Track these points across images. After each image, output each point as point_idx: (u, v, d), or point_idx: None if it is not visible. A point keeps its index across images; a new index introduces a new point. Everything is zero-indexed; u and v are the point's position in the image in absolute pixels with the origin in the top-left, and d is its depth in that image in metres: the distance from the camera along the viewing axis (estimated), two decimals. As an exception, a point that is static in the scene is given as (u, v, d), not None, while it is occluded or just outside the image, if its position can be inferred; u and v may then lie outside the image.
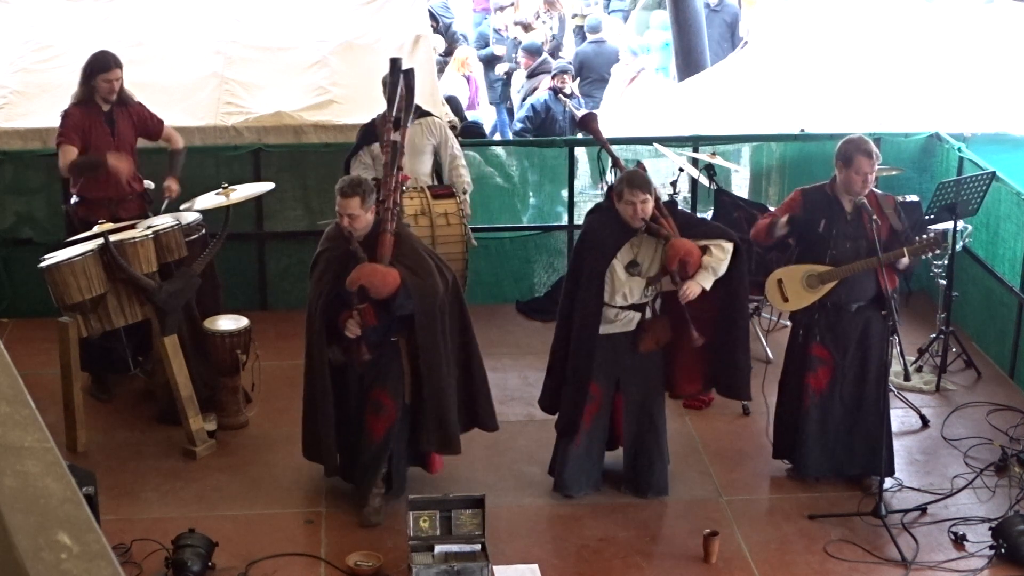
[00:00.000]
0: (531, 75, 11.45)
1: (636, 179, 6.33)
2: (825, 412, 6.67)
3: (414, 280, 6.13)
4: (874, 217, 6.31)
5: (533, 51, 11.77)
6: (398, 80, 6.69)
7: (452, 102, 10.46)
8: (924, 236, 6.40)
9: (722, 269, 6.30)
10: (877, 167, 6.44)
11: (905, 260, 6.38)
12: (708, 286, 6.29)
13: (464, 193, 7.82)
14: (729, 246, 6.32)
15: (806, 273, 6.53)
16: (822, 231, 6.50)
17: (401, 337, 6.30)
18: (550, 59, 11.98)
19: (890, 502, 6.53)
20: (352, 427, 6.43)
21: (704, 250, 6.27)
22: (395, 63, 6.79)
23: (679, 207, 6.76)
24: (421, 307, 6.17)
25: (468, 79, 12.34)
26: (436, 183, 7.98)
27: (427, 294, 6.17)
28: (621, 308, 6.38)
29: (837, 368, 6.61)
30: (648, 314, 6.42)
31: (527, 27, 13.62)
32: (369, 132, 7.86)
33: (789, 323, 8.51)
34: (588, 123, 7.14)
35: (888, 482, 6.60)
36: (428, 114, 8.07)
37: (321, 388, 6.34)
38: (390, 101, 6.70)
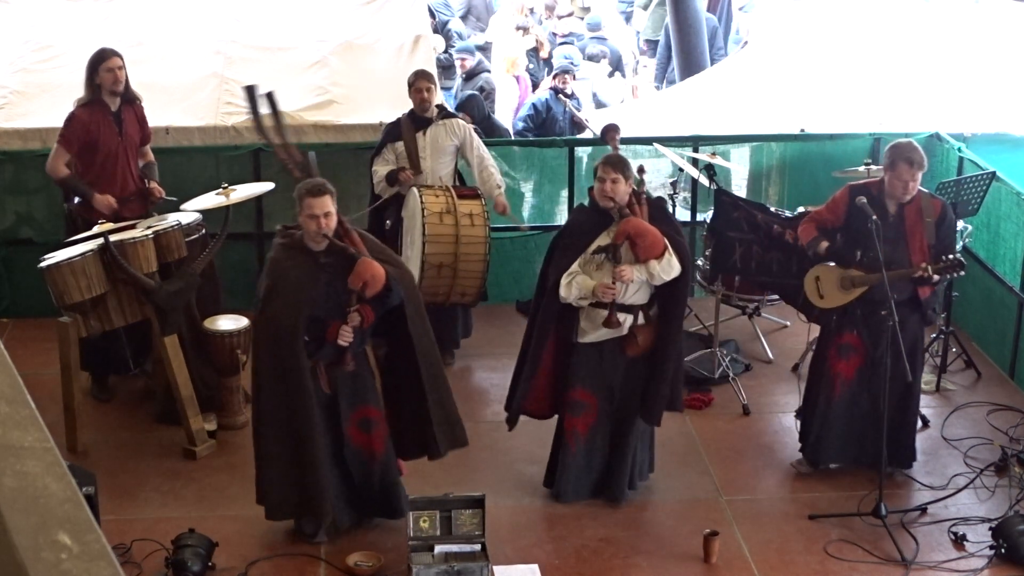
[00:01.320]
0: (469, 77, 11.27)
1: (612, 158, 6.40)
2: (851, 401, 6.70)
3: (394, 271, 6.02)
4: (874, 217, 6.31)
5: (469, 52, 11.63)
6: (256, 106, 6.66)
7: (475, 100, 10.46)
8: (950, 257, 6.39)
9: (658, 279, 6.24)
10: (919, 175, 6.41)
11: (935, 276, 6.42)
12: (634, 279, 6.23)
13: (499, 189, 7.88)
14: (676, 270, 6.24)
15: (842, 275, 6.56)
16: (861, 230, 6.49)
17: (369, 345, 6.19)
18: (485, 60, 11.95)
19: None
20: (318, 461, 6.08)
21: (662, 251, 6.21)
22: (249, 90, 6.76)
23: (667, 208, 6.63)
24: (407, 296, 6.06)
25: (518, 79, 12.39)
26: (458, 184, 8.00)
27: (408, 283, 6.12)
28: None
29: (867, 358, 6.63)
30: (641, 319, 6.37)
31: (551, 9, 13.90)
32: (393, 130, 7.94)
33: (788, 324, 8.57)
34: (607, 133, 7.13)
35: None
36: (452, 115, 8.12)
37: (308, 423, 5.93)
38: (257, 127, 6.71)
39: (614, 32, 14.07)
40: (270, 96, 6.57)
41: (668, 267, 6.24)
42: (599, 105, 12.22)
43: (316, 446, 5.97)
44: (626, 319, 6.35)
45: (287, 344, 5.89)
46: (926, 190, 6.77)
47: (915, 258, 6.45)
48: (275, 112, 6.59)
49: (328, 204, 5.87)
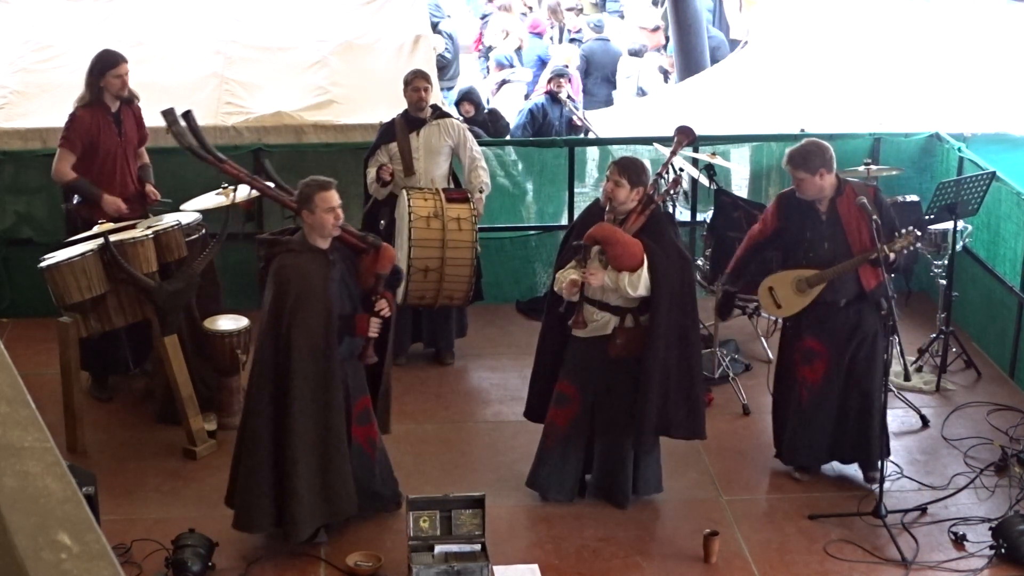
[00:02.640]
0: None
1: (624, 161, 6.39)
2: (820, 403, 6.70)
3: None
4: (874, 217, 6.33)
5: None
6: (181, 128, 6.69)
7: (472, 94, 10.46)
8: (903, 231, 6.38)
9: (625, 292, 6.15)
10: (803, 173, 6.43)
11: (891, 255, 6.38)
12: (597, 283, 6.17)
13: (480, 192, 7.84)
14: (643, 289, 6.13)
15: (795, 278, 6.58)
16: (798, 235, 6.57)
17: None
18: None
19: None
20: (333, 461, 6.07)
21: (637, 265, 6.13)
22: (167, 114, 6.79)
23: (667, 226, 6.45)
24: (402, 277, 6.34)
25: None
26: (453, 185, 7.99)
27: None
28: (599, 307, 6.30)
29: (832, 360, 6.64)
30: (630, 322, 6.33)
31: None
32: (388, 131, 7.93)
33: (788, 324, 8.56)
34: (687, 133, 7.02)
35: (889, 468, 6.64)
36: (447, 115, 8.10)
37: (340, 428, 5.95)
38: (189, 149, 6.75)
39: (615, 33, 14.09)
40: (187, 116, 6.58)
41: (636, 282, 6.13)
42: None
43: (344, 455, 6.00)
44: (610, 320, 6.32)
45: (323, 350, 5.88)
46: (855, 179, 6.82)
47: (855, 249, 6.46)
48: (196, 133, 6.59)
49: (338, 196, 5.95)
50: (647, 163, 6.70)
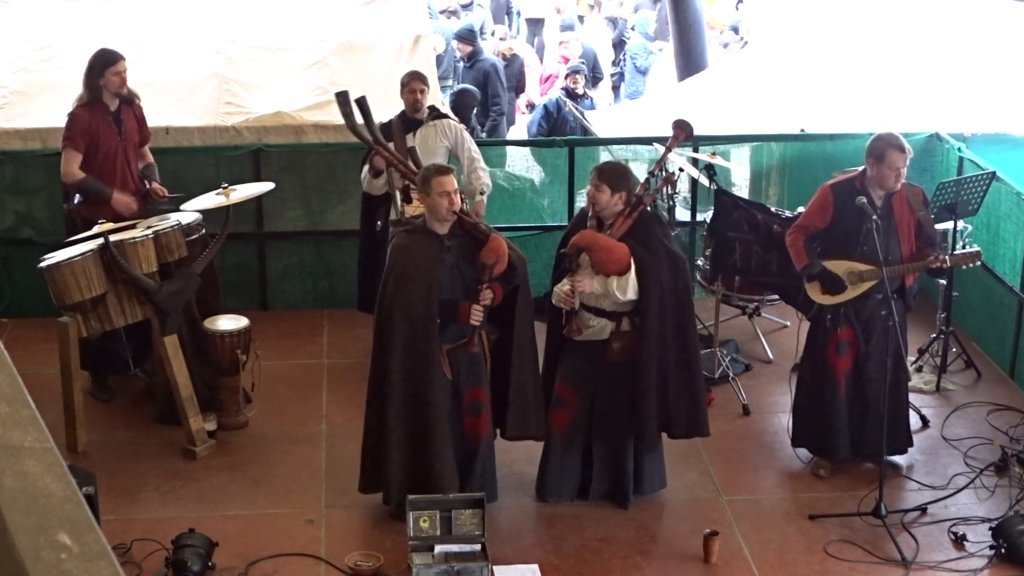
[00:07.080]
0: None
1: (604, 167, 6.43)
2: (850, 395, 6.74)
3: (511, 252, 6.18)
4: (874, 218, 6.35)
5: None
6: (350, 111, 6.86)
7: (468, 93, 10.45)
8: (969, 250, 6.51)
9: (614, 297, 6.17)
10: (908, 161, 6.50)
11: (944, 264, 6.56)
12: (587, 289, 6.19)
13: (481, 194, 7.82)
14: (632, 292, 6.14)
15: (847, 270, 6.59)
16: (854, 227, 6.56)
17: (484, 329, 6.26)
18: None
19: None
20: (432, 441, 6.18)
21: (624, 269, 6.14)
22: (340, 97, 6.97)
23: (655, 228, 6.42)
24: (522, 278, 6.21)
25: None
26: None
27: (523, 264, 6.24)
28: (594, 313, 6.29)
29: (860, 351, 6.69)
30: (626, 325, 6.32)
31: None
32: (384, 131, 7.89)
33: (788, 324, 8.57)
34: (684, 127, 6.94)
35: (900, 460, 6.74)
36: (444, 116, 8.08)
37: (437, 410, 6.06)
38: (352, 130, 6.96)
39: (589, 33, 14.11)
40: (360, 102, 6.71)
41: (624, 286, 6.15)
42: None
43: (442, 433, 6.08)
44: (606, 325, 6.32)
45: (422, 329, 6.01)
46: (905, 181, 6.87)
47: (904, 247, 6.54)
48: (366, 116, 6.84)
49: (455, 182, 6.07)
50: (643, 164, 6.71)
